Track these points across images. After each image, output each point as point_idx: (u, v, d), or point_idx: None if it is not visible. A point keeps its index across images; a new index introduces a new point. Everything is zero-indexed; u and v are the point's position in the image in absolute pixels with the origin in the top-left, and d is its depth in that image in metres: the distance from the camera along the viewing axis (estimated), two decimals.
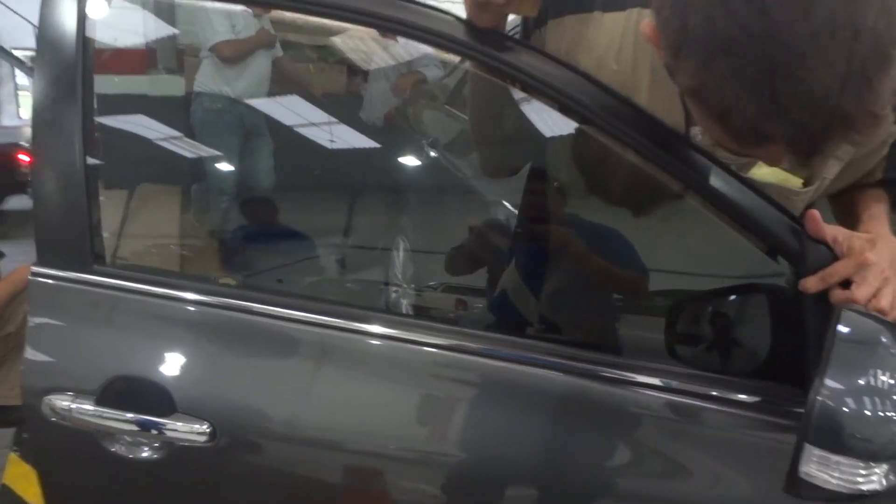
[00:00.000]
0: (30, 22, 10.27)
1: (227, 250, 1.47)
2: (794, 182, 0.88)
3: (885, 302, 0.73)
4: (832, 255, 0.77)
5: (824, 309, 0.74)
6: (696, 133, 0.86)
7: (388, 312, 1.17)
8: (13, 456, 2.23)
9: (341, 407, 0.88)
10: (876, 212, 0.88)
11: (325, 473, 0.90)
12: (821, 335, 0.74)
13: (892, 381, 0.65)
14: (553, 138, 0.98)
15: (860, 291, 0.73)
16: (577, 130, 0.89)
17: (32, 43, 10.94)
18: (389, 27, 0.88)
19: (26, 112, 11.27)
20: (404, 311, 1.34)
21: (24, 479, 2.14)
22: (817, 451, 0.64)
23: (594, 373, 0.86)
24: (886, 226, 0.86)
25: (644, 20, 0.73)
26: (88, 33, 0.91)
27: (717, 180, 0.81)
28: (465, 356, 0.87)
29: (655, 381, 0.85)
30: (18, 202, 6.43)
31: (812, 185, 0.88)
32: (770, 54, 0.58)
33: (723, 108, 0.61)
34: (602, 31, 0.90)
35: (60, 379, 0.89)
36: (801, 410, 0.76)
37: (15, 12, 10.62)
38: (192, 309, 0.92)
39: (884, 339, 0.68)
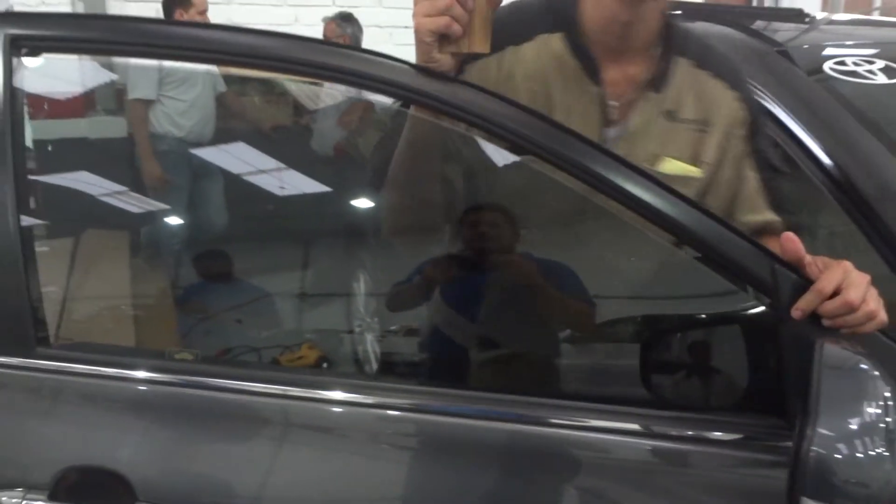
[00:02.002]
0: None
1: (181, 304, 1.40)
2: (694, 171, 0.94)
3: (873, 304, 0.76)
4: (804, 282, 0.78)
5: (802, 339, 0.75)
6: (610, 132, 0.92)
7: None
8: None
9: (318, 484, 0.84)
10: None
11: None
12: (799, 367, 0.74)
13: (878, 412, 0.65)
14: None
15: (852, 293, 0.74)
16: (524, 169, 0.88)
17: None
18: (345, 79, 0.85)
19: None
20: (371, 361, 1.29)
21: None
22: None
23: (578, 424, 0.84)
24: None
25: None
26: (17, 90, 0.85)
27: (684, 214, 0.81)
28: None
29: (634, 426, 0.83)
30: None
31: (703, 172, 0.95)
32: None
33: None
34: (519, 61, 0.95)
35: (10, 473, 0.81)
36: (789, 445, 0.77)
37: None
38: (145, 388, 0.86)
39: (864, 367, 0.68)
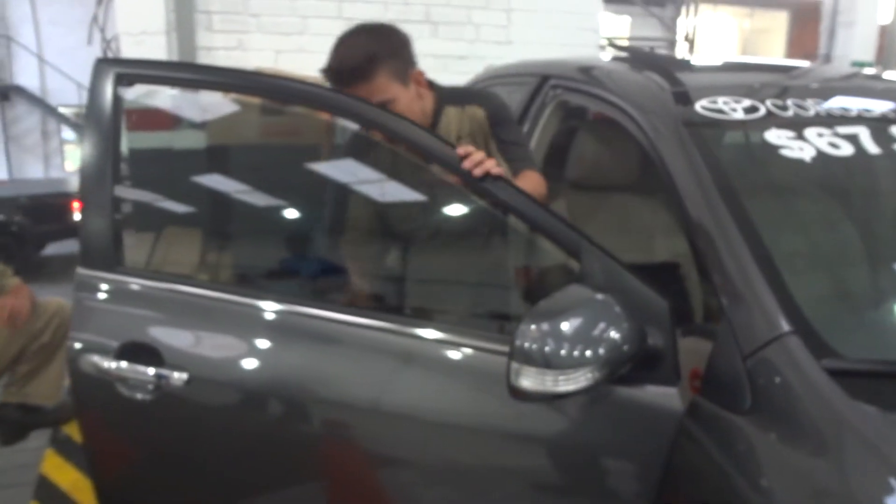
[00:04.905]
0: (74, 81, 11.16)
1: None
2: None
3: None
4: (601, 251, 1.15)
5: None
6: None
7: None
8: (50, 451, 2.66)
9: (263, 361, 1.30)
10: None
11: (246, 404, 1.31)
12: None
13: (572, 325, 1.01)
14: None
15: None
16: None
17: (77, 100, 11.68)
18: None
19: (71, 164, 12.10)
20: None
21: (58, 470, 2.56)
22: (523, 367, 1.00)
23: None
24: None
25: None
26: (119, 109, 1.36)
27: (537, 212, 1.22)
28: None
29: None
30: (62, 247, 7.11)
31: None
32: None
33: None
34: (452, 120, 1.59)
35: (96, 342, 1.31)
36: None
37: (61, 72, 11.56)
38: (175, 295, 1.34)
39: (590, 297, 1.05)
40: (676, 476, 1.09)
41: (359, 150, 1.60)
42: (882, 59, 6.58)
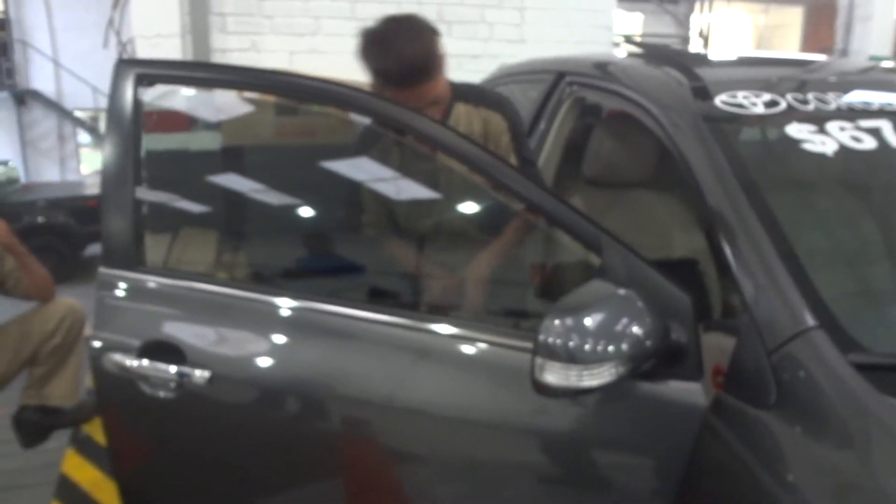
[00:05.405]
0: (90, 84, 11.25)
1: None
2: None
3: None
4: (623, 247, 1.15)
5: None
6: None
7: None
8: (71, 451, 2.68)
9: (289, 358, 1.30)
10: None
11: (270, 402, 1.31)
12: None
13: (596, 320, 1.01)
14: None
15: None
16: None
17: (92, 104, 11.80)
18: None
19: (86, 168, 12.20)
20: None
21: (78, 469, 2.58)
22: (547, 362, 0.99)
23: None
24: None
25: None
26: (140, 109, 1.36)
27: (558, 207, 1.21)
28: None
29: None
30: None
31: None
32: None
33: None
34: (462, 117, 1.57)
35: (118, 342, 1.32)
36: None
37: (76, 76, 11.67)
38: (197, 294, 1.35)
39: (616, 293, 1.04)
40: (700, 472, 1.08)
41: (370, 144, 1.59)
42: None
